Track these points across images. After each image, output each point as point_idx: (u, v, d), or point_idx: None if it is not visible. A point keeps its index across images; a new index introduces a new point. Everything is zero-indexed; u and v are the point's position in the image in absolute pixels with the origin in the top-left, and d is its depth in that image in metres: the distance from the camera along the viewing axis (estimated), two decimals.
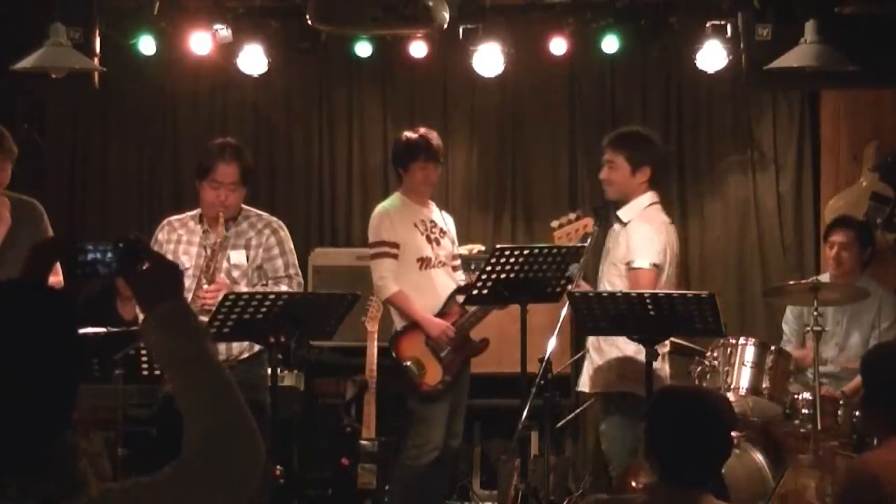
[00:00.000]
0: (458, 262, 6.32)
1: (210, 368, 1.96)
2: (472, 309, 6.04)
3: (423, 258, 6.05)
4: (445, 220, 6.24)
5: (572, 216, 5.94)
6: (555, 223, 5.93)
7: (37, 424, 1.81)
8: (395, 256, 5.99)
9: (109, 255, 2.03)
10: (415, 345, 5.99)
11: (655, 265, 5.54)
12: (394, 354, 6.03)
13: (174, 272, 2.03)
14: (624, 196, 5.69)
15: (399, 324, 6.05)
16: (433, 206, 6.23)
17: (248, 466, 1.90)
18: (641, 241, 5.56)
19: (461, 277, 6.27)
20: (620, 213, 5.68)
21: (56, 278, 6.13)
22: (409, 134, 6.18)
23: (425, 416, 5.98)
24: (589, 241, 5.75)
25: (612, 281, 5.58)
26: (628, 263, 5.55)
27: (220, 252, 5.48)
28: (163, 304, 1.97)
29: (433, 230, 6.12)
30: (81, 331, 5.50)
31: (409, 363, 5.97)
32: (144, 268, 2.01)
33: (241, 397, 1.96)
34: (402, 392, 6.11)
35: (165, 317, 1.96)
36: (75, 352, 1.89)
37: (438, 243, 6.11)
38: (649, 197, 5.71)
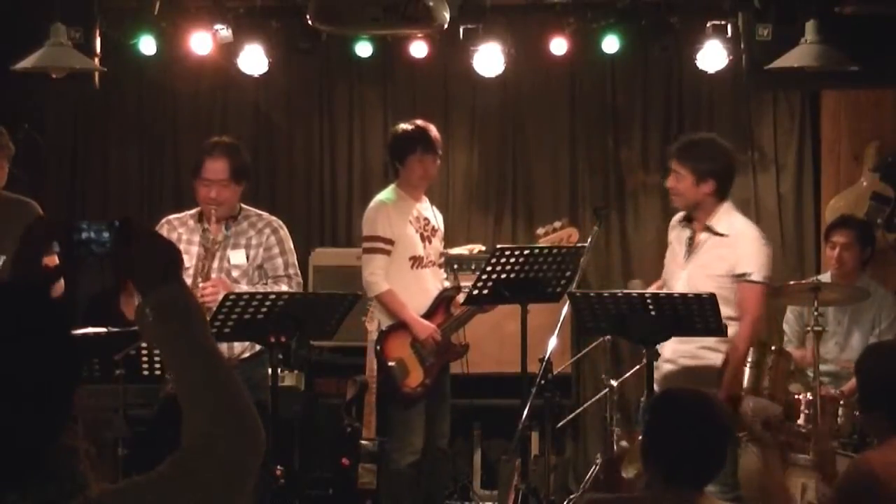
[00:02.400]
0: (443, 260, 6.23)
1: (210, 354, 1.91)
2: (456, 312, 6.02)
3: (416, 257, 6.00)
4: (437, 218, 6.18)
5: (557, 224, 5.94)
6: (540, 230, 5.93)
7: (33, 430, 1.78)
8: (387, 253, 5.93)
9: (104, 234, 1.97)
10: (400, 346, 5.95)
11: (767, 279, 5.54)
12: (378, 350, 5.99)
13: (172, 254, 1.96)
14: (693, 206, 5.59)
15: (385, 323, 6.00)
16: (426, 202, 6.17)
17: (249, 454, 1.86)
18: (757, 253, 5.50)
19: (443, 277, 6.20)
20: (714, 224, 5.53)
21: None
22: (405, 126, 6.10)
23: (404, 419, 5.94)
24: (589, 240, 5.75)
25: (717, 293, 5.33)
26: (743, 275, 5.47)
27: (217, 252, 5.48)
28: (161, 289, 1.91)
29: (426, 228, 6.07)
30: (81, 331, 5.45)
31: (393, 364, 5.94)
32: (141, 248, 1.94)
33: (241, 383, 1.93)
34: (381, 394, 6.08)
35: (164, 302, 1.91)
36: (70, 355, 1.85)
37: (430, 242, 6.06)
38: (730, 207, 5.63)
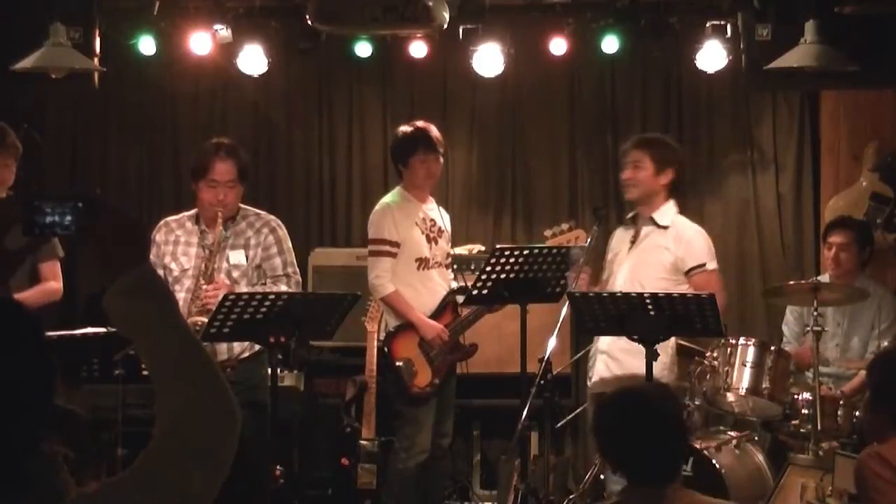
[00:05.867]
0: (450, 260, 6.21)
1: (186, 333, 1.88)
2: (465, 312, 6.02)
3: (422, 258, 5.99)
4: (444, 219, 6.17)
5: (565, 226, 5.95)
6: (548, 232, 5.94)
7: (8, 443, 1.75)
8: (393, 255, 5.92)
9: (67, 217, 1.88)
10: (408, 346, 5.95)
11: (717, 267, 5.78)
12: (385, 351, 6.00)
13: (139, 233, 1.91)
14: (646, 197, 5.74)
15: (392, 323, 6.01)
16: (433, 203, 6.17)
17: (228, 431, 1.82)
18: (706, 244, 5.73)
19: (450, 277, 6.20)
20: (657, 217, 5.72)
21: (56, 284, 6.13)
22: (405, 128, 6.10)
23: (413, 419, 5.93)
24: (589, 241, 5.76)
25: (657, 285, 5.52)
26: (698, 266, 5.63)
27: (219, 252, 5.48)
28: (131, 273, 1.85)
29: (432, 229, 6.07)
30: (81, 331, 5.43)
31: (401, 364, 5.94)
32: (104, 227, 1.87)
33: (214, 362, 1.89)
34: (389, 393, 6.08)
35: (136, 284, 1.85)
36: (43, 364, 1.81)
37: (436, 243, 6.06)
38: (674, 205, 5.81)
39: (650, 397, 3.28)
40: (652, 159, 5.72)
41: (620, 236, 5.90)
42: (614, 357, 5.68)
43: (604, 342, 5.71)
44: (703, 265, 5.66)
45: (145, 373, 5.72)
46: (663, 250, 5.66)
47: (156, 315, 1.85)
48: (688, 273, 5.66)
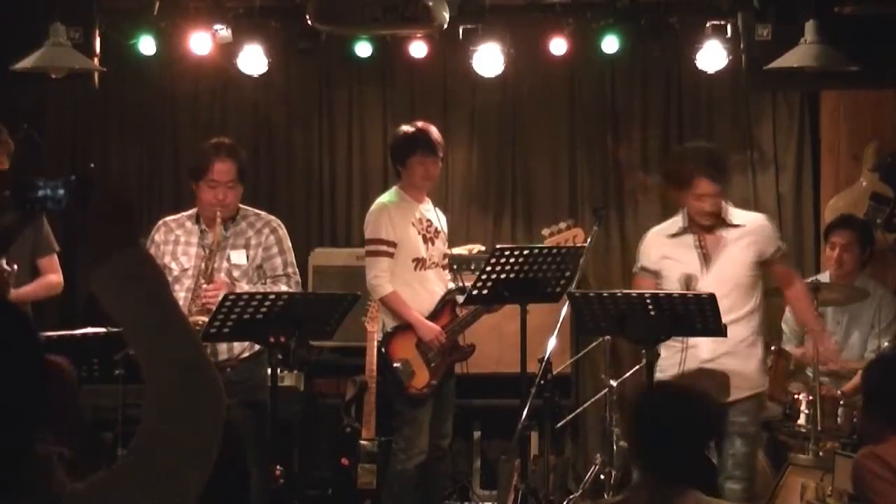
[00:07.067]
0: (446, 261, 6.19)
1: (180, 318, 1.85)
2: (462, 313, 6.01)
3: (419, 259, 5.99)
4: (440, 219, 6.16)
5: (563, 225, 5.94)
6: (546, 231, 5.93)
7: (3, 445, 1.73)
8: (391, 255, 5.92)
9: (60, 191, 1.87)
10: (405, 347, 5.94)
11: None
12: (383, 351, 6.00)
13: (130, 213, 1.88)
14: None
15: (390, 324, 6.00)
16: (429, 203, 6.15)
17: (216, 417, 1.80)
18: (773, 227, 5.76)
19: (447, 278, 6.20)
20: (728, 217, 5.60)
21: (56, 277, 6.14)
22: (406, 128, 6.08)
23: (411, 420, 5.92)
24: (589, 241, 5.75)
25: (744, 283, 5.50)
26: (775, 253, 5.62)
27: (218, 252, 5.48)
28: (121, 252, 1.82)
29: (429, 229, 6.06)
30: (81, 331, 5.42)
31: (398, 364, 5.94)
32: (96, 204, 1.85)
33: (202, 346, 1.87)
34: (389, 393, 6.08)
35: (128, 266, 1.82)
36: (37, 365, 1.80)
37: (433, 243, 6.05)
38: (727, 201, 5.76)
39: (699, 398, 3.34)
40: (721, 186, 5.60)
41: (680, 243, 5.63)
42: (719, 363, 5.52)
43: (706, 349, 5.46)
44: (780, 249, 5.66)
45: None
46: (748, 248, 5.56)
47: (151, 301, 1.83)
48: (774, 257, 5.62)
